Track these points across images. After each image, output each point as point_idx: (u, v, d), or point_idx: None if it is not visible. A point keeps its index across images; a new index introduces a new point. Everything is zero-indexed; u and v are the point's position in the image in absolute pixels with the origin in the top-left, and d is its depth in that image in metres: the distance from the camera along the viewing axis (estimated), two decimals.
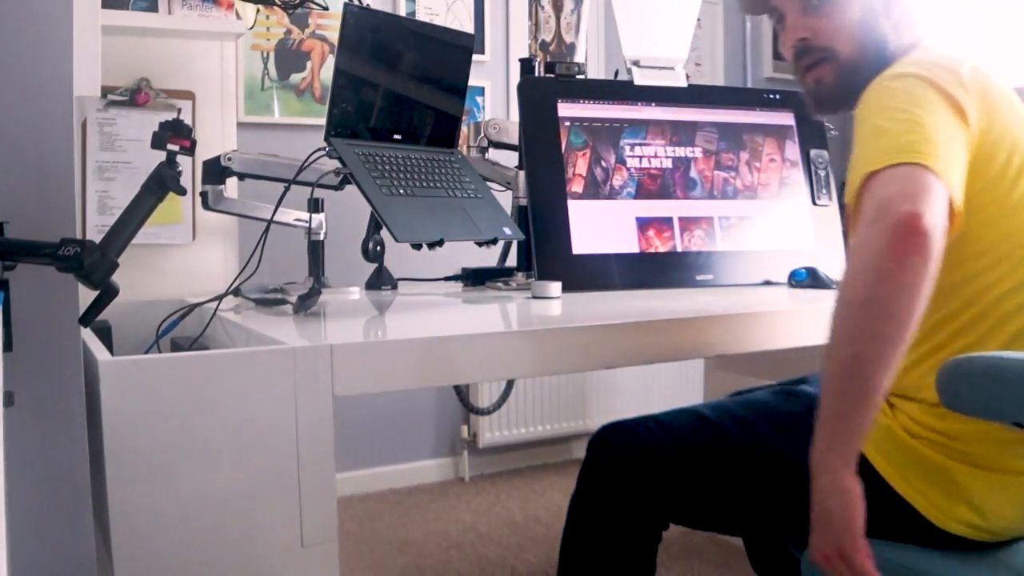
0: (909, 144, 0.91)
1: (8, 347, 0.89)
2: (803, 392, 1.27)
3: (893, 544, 1.08)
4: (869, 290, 0.85)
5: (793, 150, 1.86)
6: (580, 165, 1.71)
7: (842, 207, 1.82)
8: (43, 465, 0.93)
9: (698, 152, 1.79)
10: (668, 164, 1.77)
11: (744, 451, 1.18)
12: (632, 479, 1.22)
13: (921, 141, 0.92)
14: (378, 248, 1.74)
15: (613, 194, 1.72)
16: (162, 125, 1.51)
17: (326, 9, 1.96)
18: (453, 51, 1.69)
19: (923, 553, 1.07)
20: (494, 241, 1.55)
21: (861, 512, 0.91)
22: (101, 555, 0.99)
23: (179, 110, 1.62)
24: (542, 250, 1.62)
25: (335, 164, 1.51)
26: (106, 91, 1.67)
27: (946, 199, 0.90)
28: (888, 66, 1.09)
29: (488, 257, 1.98)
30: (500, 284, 1.76)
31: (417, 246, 1.44)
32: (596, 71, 3.33)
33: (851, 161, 0.99)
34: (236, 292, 1.45)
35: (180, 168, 1.49)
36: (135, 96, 1.70)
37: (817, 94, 1.22)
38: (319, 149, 1.51)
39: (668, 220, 1.72)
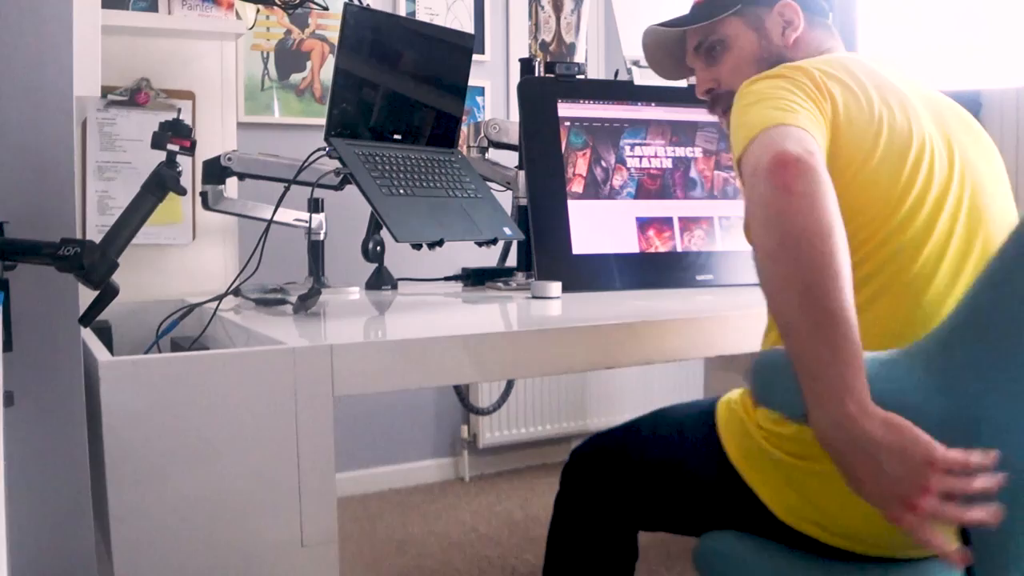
0: (768, 116, 0.92)
1: (8, 347, 0.89)
2: None
3: (787, 553, 1.05)
4: (775, 229, 0.83)
5: None
6: (580, 165, 1.71)
7: None
8: (43, 465, 0.93)
9: (698, 152, 1.79)
10: (668, 164, 1.77)
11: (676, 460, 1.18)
12: (600, 489, 1.24)
13: (778, 111, 0.93)
14: (378, 248, 1.74)
15: (613, 194, 1.72)
16: (162, 125, 1.51)
17: (326, 9, 1.96)
18: (453, 51, 1.69)
19: (808, 562, 1.03)
20: (494, 241, 1.55)
21: (916, 429, 0.78)
22: (101, 555, 0.99)
23: (179, 110, 1.62)
24: (542, 250, 1.62)
25: (335, 164, 1.51)
26: (106, 91, 1.67)
27: (812, 141, 0.89)
28: None
29: (488, 257, 1.98)
30: (500, 284, 1.76)
31: (417, 246, 1.44)
32: (596, 71, 3.33)
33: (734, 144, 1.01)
34: (236, 292, 1.45)
35: (180, 168, 1.49)
36: (135, 96, 1.70)
37: None
38: (319, 149, 1.51)
39: (668, 220, 1.72)
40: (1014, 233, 0.82)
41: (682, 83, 1.82)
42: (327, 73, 2.75)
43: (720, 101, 1.22)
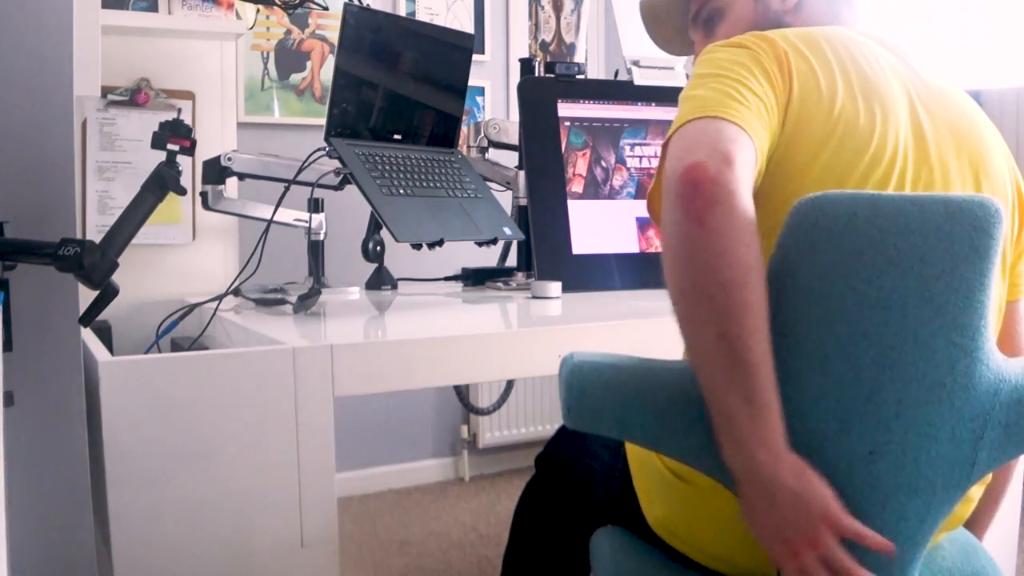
0: (708, 100, 0.83)
1: (8, 347, 0.89)
2: None
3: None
4: (686, 269, 0.76)
5: None
6: (580, 165, 1.71)
7: None
8: (43, 465, 0.93)
9: None
10: None
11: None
12: (555, 485, 1.24)
13: (723, 95, 0.83)
14: (378, 248, 1.74)
15: (613, 194, 1.72)
16: (162, 125, 1.51)
17: (326, 9, 1.96)
18: (453, 51, 1.69)
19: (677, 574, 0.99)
20: (494, 241, 1.55)
21: (821, 483, 0.77)
22: (101, 555, 0.99)
23: (179, 110, 1.62)
24: (542, 250, 1.62)
25: (335, 164, 1.51)
26: (106, 91, 1.67)
27: (742, 147, 0.79)
28: None
29: (488, 257, 1.98)
30: (500, 284, 1.76)
31: (417, 246, 1.44)
32: (596, 71, 3.33)
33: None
34: (236, 292, 1.45)
35: (180, 168, 1.49)
36: (135, 96, 1.70)
37: None
38: (319, 149, 1.51)
39: None
40: (786, 227, 0.78)
41: (682, 83, 1.82)
42: (327, 73, 2.75)
43: None
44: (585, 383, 0.83)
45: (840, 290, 0.77)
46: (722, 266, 0.73)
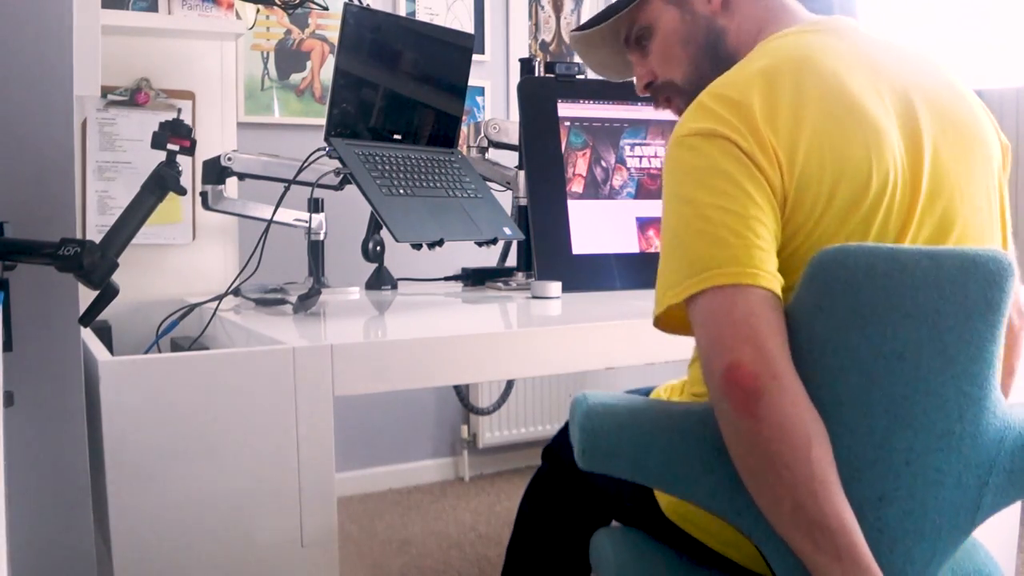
0: (713, 256, 0.79)
1: (8, 347, 0.89)
2: None
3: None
4: (750, 454, 0.77)
5: None
6: (580, 165, 1.71)
7: None
8: (43, 465, 0.93)
9: None
10: None
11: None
12: (558, 484, 1.24)
13: (724, 241, 0.79)
14: (378, 248, 1.74)
15: (613, 194, 1.72)
16: (162, 125, 1.51)
17: (326, 9, 1.96)
18: (453, 51, 1.69)
19: (686, 569, 0.99)
20: (494, 241, 1.55)
21: None
22: (101, 555, 0.99)
23: (179, 110, 1.62)
24: (542, 250, 1.62)
25: (335, 164, 1.51)
26: (106, 91, 1.67)
27: (768, 301, 0.78)
28: (734, 62, 0.94)
29: (488, 257, 1.98)
30: (500, 284, 1.76)
31: (417, 246, 1.44)
32: None
33: (661, 257, 0.86)
34: (236, 292, 1.45)
35: (180, 168, 1.49)
36: (135, 96, 1.70)
37: None
38: (319, 149, 1.51)
39: None
40: (806, 277, 0.79)
41: None
42: (327, 73, 2.75)
43: (661, 94, 1.08)
44: (599, 425, 0.84)
45: (855, 341, 0.78)
46: (783, 448, 0.75)
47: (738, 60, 0.96)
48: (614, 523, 1.18)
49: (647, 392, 1.22)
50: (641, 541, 1.04)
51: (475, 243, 1.55)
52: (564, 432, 1.29)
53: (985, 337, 0.79)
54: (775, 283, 0.79)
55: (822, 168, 0.82)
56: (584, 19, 3.18)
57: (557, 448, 1.29)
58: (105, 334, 1.48)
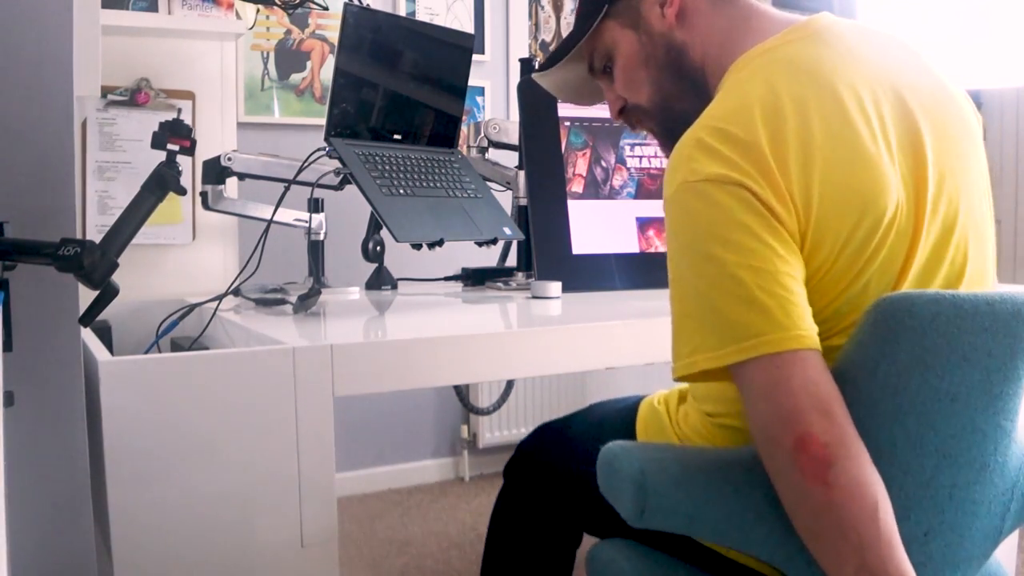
0: (749, 325, 0.77)
1: (8, 347, 0.89)
2: None
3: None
4: (816, 517, 0.77)
5: None
6: (580, 165, 1.71)
7: None
8: (43, 465, 0.93)
9: None
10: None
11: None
12: (533, 488, 1.24)
13: (758, 313, 0.77)
14: (378, 248, 1.74)
15: (613, 194, 1.72)
16: (162, 125, 1.51)
17: (326, 9, 1.96)
18: (453, 51, 1.69)
19: None
20: (494, 241, 1.55)
21: None
22: (101, 555, 0.99)
23: (179, 110, 1.62)
24: (542, 250, 1.61)
25: (335, 164, 1.51)
26: (106, 91, 1.67)
27: (815, 356, 0.77)
28: (700, 77, 0.93)
29: (488, 257, 1.98)
30: (500, 284, 1.76)
31: (417, 246, 1.44)
32: None
33: (673, 315, 0.84)
34: (236, 292, 1.45)
35: (180, 168, 1.49)
36: (135, 96, 1.70)
37: (663, 144, 1.06)
38: (319, 149, 1.51)
39: None
40: (868, 324, 0.80)
41: None
42: (327, 73, 2.75)
43: (632, 117, 1.05)
44: (654, 484, 0.83)
45: (916, 384, 0.81)
46: (853, 513, 0.75)
47: (705, 74, 0.94)
48: (594, 538, 1.15)
49: (634, 404, 1.20)
50: (650, 551, 1.04)
51: (475, 243, 1.55)
52: (535, 443, 1.28)
53: (1022, 375, 0.85)
54: (817, 339, 0.79)
55: (837, 206, 0.80)
56: None
57: (527, 460, 1.27)
58: (105, 334, 1.48)
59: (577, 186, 1.69)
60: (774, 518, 0.81)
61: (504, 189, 1.80)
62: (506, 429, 3.00)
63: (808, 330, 0.78)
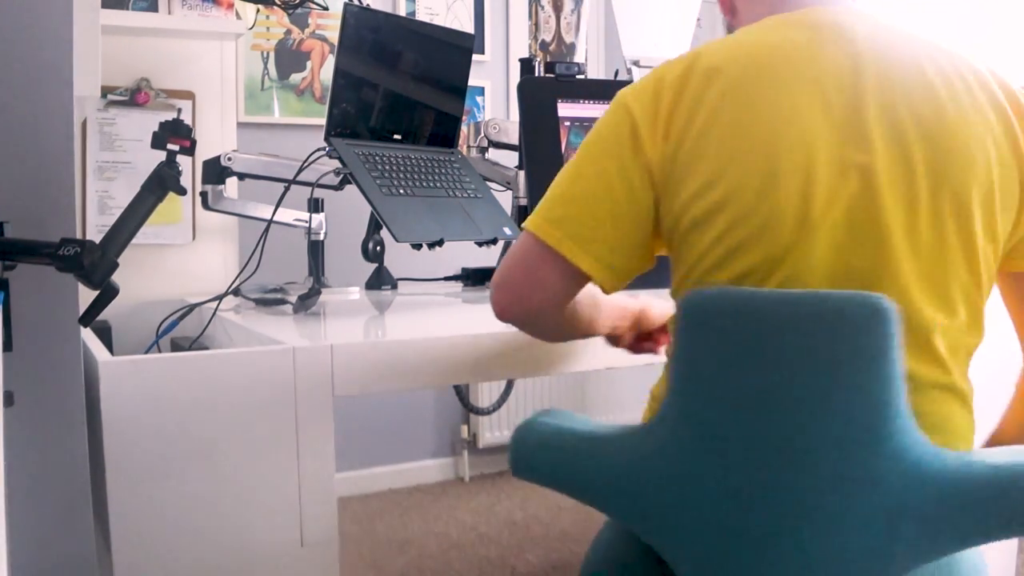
0: (545, 208, 0.93)
1: (8, 347, 0.89)
2: None
3: None
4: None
5: None
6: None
7: None
8: (43, 465, 0.93)
9: None
10: None
11: None
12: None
13: (556, 206, 0.93)
14: (378, 248, 1.74)
15: None
16: (162, 125, 1.51)
17: (326, 9, 1.96)
18: (453, 51, 1.69)
19: None
20: (494, 241, 1.55)
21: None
22: (101, 555, 0.99)
23: (179, 110, 1.62)
24: None
25: (335, 164, 1.51)
26: (106, 91, 1.67)
27: (558, 261, 0.89)
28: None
29: (488, 257, 1.98)
30: None
31: (417, 246, 1.44)
32: (596, 71, 3.33)
33: None
34: (236, 292, 1.45)
35: (180, 168, 1.49)
36: (135, 96, 1.70)
37: None
38: (319, 149, 1.51)
39: None
40: (681, 319, 0.82)
41: None
42: (327, 73, 2.75)
43: None
44: (526, 443, 0.95)
45: (736, 380, 0.80)
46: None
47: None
48: None
49: None
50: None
51: (475, 243, 1.55)
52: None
53: (869, 383, 0.77)
54: (579, 252, 0.93)
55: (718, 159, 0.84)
56: (584, 20, 3.19)
57: None
58: (105, 334, 1.48)
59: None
60: (626, 482, 0.87)
61: (504, 189, 1.80)
62: (506, 429, 3.00)
63: (571, 237, 0.89)
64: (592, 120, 1.74)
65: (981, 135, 0.85)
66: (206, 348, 1.35)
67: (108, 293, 1.03)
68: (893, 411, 0.79)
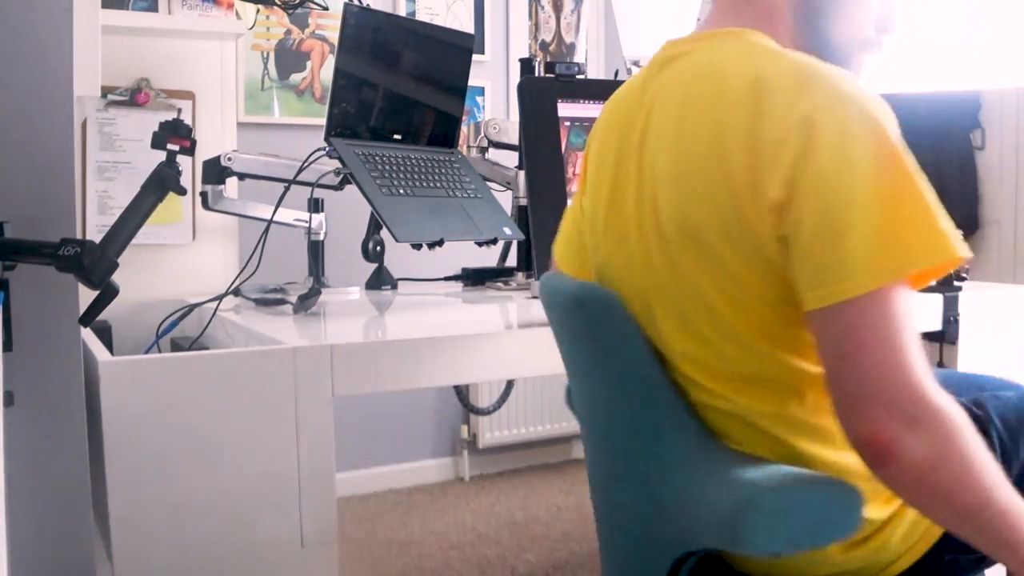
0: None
1: (8, 347, 0.89)
2: None
3: None
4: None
5: None
6: (580, 165, 1.70)
7: None
8: (43, 465, 0.93)
9: None
10: None
11: None
12: None
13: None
14: (378, 248, 1.74)
15: None
16: (162, 125, 1.51)
17: (326, 9, 1.96)
18: (453, 51, 1.69)
19: None
20: (494, 241, 1.55)
21: None
22: (101, 555, 0.99)
23: (179, 110, 1.62)
24: (542, 250, 1.61)
25: (335, 164, 1.51)
26: (106, 91, 1.67)
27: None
28: None
29: (488, 257, 1.98)
30: (500, 284, 1.76)
31: (417, 246, 1.44)
32: (596, 71, 3.33)
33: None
34: (236, 292, 1.45)
35: (180, 168, 1.49)
36: (135, 96, 1.70)
37: None
38: (319, 149, 1.51)
39: None
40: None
41: None
42: (327, 73, 2.75)
43: None
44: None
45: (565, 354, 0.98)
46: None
47: None
48: None
49: None
50: None
51: (475, 243, 1.55)
52: None
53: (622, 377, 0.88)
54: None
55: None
56: (584, 20, 3.18)
57: None
58: (105, 334, 1.48)
59: (577, 186, 1.69)
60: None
61: (504, 189, 1.80)
62: (506, 429, 3.00)
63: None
64: (592, 120, 1.74)
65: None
66: (206, 348, 1.35)
67: (108, 293, 1.03)
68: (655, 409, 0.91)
